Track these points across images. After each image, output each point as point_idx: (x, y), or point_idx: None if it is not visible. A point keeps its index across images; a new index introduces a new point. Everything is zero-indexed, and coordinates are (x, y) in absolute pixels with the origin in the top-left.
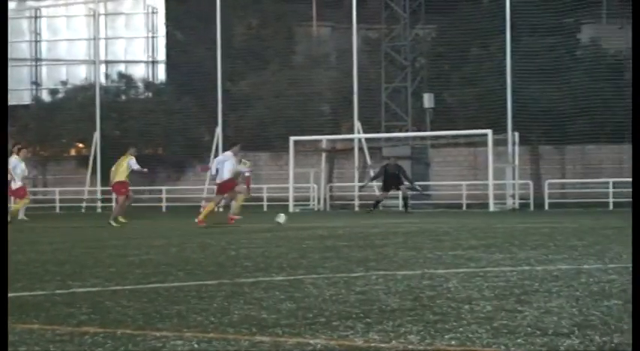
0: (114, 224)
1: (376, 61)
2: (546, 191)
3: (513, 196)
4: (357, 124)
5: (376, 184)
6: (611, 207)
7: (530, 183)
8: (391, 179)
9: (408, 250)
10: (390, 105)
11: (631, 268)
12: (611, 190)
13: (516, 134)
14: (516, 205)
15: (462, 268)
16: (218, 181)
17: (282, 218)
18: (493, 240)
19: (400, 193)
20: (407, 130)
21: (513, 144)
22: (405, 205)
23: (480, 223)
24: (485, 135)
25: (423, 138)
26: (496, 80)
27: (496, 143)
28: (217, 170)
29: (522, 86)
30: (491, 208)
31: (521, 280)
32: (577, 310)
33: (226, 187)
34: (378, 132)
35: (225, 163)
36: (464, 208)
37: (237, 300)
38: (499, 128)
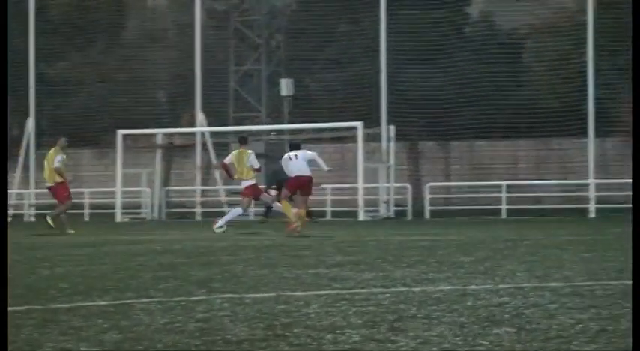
0: (71, 231)
1: (224, 39)
2: (427, 196)
3: (388, 203)
4: (200, 116)
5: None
6: (503, 215)
7: (409, 187)
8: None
9: (261, 268)
10: (241, 92)
11: (523, 288)
12: (504, 195)
13: (392, 128)
14: (391, 214)
15: (325, 289)
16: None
17: None
18: (363, 256)
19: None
20: (260, 123)
21: (388, 140)
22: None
23: (347, 235)
24: (355, 128)
25: (279, 132)
26: (369, 63)
27: (368, 139)
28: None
29: (400, 70)
30: (362, 217)
31: (395, 303)
32: (461, 339)
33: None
34: (225, 125)
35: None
36: (328, 216)
37: (51, 330)
38: (371, 121)
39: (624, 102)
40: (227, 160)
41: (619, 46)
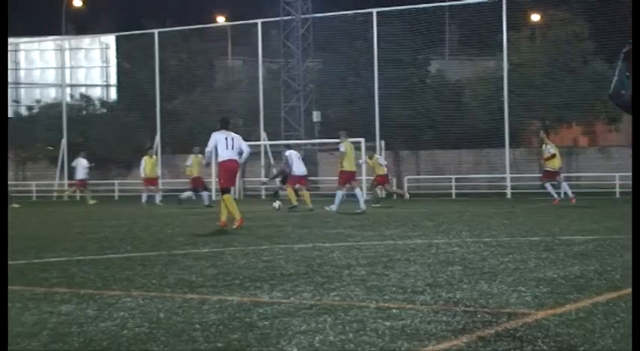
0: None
1: (277, 86)
2: (406, 185)
3: (381, 188)
4: (263, 134)
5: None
6: (453, 197)
7: (394, 179)
8: (285, 178)
9: (302, 229)
10: (288, 119)
11: (467, 242)
12: (453, 184)
13: (382, 142)
14: (383, 195)
15: (343, 242)
16: None
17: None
18: (366, 221)
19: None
20: (300, 138)
21: (380, 149)
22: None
23: (353, 208)
24: (359, 142)
25: (312, 144)
26: (367, 101)
27: (368, 149)
28: None
29: (387, 106)
30: (365, 197)
31: (387, 251)
32: (429, 273)
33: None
34: (279, 139)
35: None
36: (344, 197)
37: (173, 267)
38: (370, 137)
39: (526, 126)
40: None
41: (522, 91)
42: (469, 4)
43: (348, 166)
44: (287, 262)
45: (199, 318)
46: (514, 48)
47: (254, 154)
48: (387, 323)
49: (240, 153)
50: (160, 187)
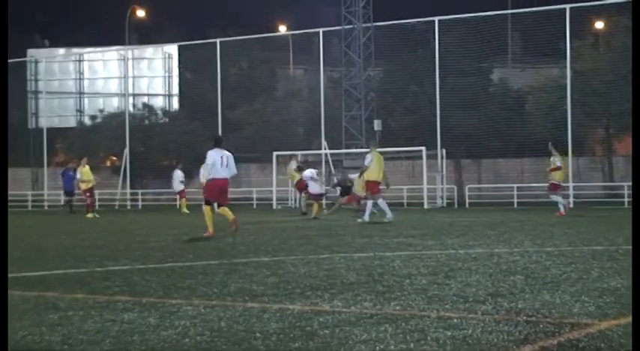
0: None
1: (338, 95)
2: (467, 194)
3: (442, 197)
4: (324, 143)
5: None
6: (515, 206)
7: (455, 187)
8: (345, 188)
9: (363, 238)
10: (349, 128)
11: (528, 251)
12: (515, 192)
13: (444, 151)
14: (444, 204)
15: (404, 251)
16: None
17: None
18: (427, 230)
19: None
20: (361, 147)
21: (441, 158)
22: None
23: (417, 217)
24: (421, 151)
25: None
26: (428, 110)
27: (428, 157)
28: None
29: (448, 114)
30: (426, 206)
31: (448, 260)
32: (490, 283)
33: None
34: (339, 148)
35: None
36: (405, 206)
37: (234, 275)
38: (431, 146)
39: (589, 134)
40: None
41: (586, 99)
42: (532, 12)
43: (376, 175)
44: (348, 271)
45: (260, 327)
46: (577, 56)
47: (316, 163)
48: (449, 333)
49: (230, 169)
50: None
